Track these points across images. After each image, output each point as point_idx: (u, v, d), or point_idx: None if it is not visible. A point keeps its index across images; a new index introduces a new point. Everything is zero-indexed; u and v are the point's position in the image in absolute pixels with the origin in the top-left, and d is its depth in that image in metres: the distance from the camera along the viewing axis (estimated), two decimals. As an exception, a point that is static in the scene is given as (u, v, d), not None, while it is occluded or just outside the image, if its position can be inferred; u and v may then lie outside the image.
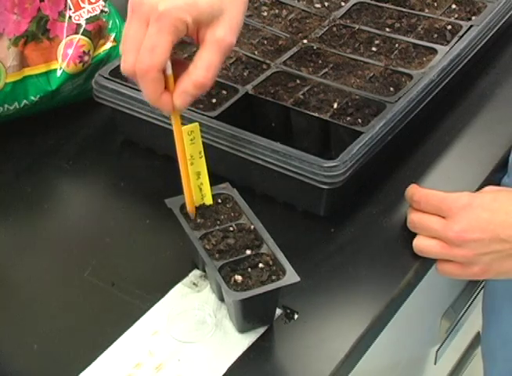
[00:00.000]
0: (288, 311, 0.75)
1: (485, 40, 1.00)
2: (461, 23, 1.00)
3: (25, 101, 0.97)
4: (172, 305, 0.76)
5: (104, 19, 1.00)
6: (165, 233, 0.84)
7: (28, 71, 0.96)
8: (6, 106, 0.96)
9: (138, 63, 0.69)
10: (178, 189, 0.78)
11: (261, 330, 0.74)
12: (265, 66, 0.94)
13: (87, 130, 1.00)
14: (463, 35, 0.98)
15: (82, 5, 0.98)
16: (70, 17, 0.97)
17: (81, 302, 0.78)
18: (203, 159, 0.76)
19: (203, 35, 0.71)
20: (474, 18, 1.02)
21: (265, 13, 1.04)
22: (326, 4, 1.06)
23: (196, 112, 0.86)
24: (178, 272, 0.79)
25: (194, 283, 0.78)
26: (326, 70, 0.94)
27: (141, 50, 0.69)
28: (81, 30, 0.98)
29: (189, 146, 0.75)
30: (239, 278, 0.71)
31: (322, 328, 0.75)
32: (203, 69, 0.71)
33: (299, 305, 0.76)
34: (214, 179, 0.78)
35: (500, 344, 0.99)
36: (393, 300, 0.77)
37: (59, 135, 0.98)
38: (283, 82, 0.92)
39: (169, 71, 0.71)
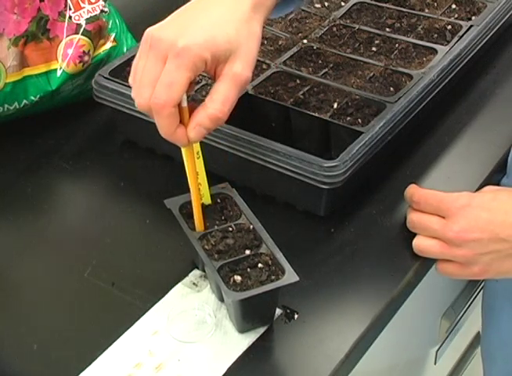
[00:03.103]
0: (288, 311, 0.75)
1: (485, 40, 1.00)
2: (461, 23, 1.00)
3: (25, 101, 0.97)
4: (172, 305, 0.76)
5: (104, 19, 1.00)
6: (165, 233, 0.84)
7: (28, 71, 0.96)
8: (6, 106, 0.96)
9: (154, 98, 0.69)
10: (178, 189, 0.78)
11: (261, 330, 0.74)
12: (264, 66, 0.94)
13: (87, 130, 1.00)
14: (463, 35, 0.98)
15: (82, 5, 0.98)
16: (70, 17, 0.97)
17: (81, 302, 0.78)
18: (201, 159, 0.76)
19: (221, 70, 0.71)
20: (474, 18, 1.02)
21: (265, 13, 1.04)
22: (326, 4, 1.06)
23: (196, 112, 0.86)
24: (178, 272, 0.79)
25: (194, 283, 0.78)
26: (326, 70, 0.94)
27: (157, 85, 0.69)
28: (81, 30, 0.98)
29: (188, 146, 0.74)
30: (238, 278, 0.71)
31: (322, 328, 0.75)
32: (219, 102, 0.70)
33: (299, 305, 0.76)
34: (214, 179, 0.78)
35: (500, 344, 0.99)
36: (393, 300, 0.77)
37: (59, 135, 0.98)
38: (283, 82, 0.92)
39: (184, 104, 0.70)
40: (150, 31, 0.71)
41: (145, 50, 0.71)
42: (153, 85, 0.69)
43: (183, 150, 0.74)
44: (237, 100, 0.88)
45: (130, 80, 0.73)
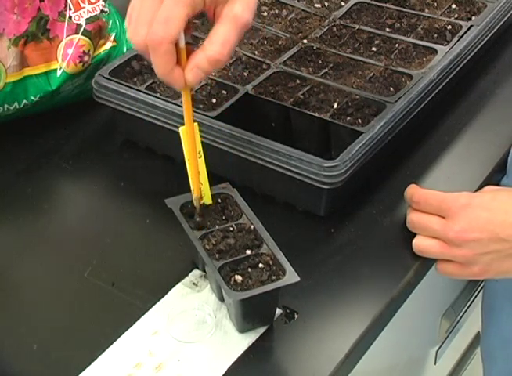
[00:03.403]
0: (288, 311, 0.75)
1: (485, 40, 1.00)
2: (461, 23, 1.00)
3: (25, 101, 0.97)
4: (172, 305, 0.76)
5: (104, 19, 1.00)
6: (165, 233, 0.84)
7: (28, 71, 0.96)
8: (6, 106, 0.96)
9: (151, 34, 0.67)
10: (178, 189, 0.78)
11: (261, 330, 0.74)
12: (264, 66, 0.94)
13: (87, 130, 1.00)
14: (463, 35, 0.98)
15: (82, 5, 0.98)
16: (70, 17, 0.97)
17: (81, 302, 0.78)
18: (203, 159, 0.76)
19: (220, 11, 0.69)
20: (474, 18, 1.02)
21: (265, 13, 1.05)
22: (326, 4, 1.06)
23: (196, 112, 0.86)
24: (178, 272, 0.79)
25: (194, 283, 0.78)
26: (326, 70, 0.94)
27: (154, 21, 0.67)
28: (81, 30, 0.98)
29: (186, 91, 0.74)
30: (239, 278, 0.71)
31: (322, 328, 0.75)
32: (218, 44, 0.69)
33: (299, 305, 0.76)
34: (214, 179, 0.78)
35: (500, 344, 0.99)
36: (393, 300, 0.77)
37: (59, 135, 0.98)
38: (283, 82, 0.92)
39: (182, 44, 0.69)
40: None
41: None
42: (150, 23, 0.67)
43: (182, 94, 0.72)
44: (237, 100, 0.89)
45: (126, 22, 0.71)
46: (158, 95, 0.90)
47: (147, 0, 0.68)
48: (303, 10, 1.05)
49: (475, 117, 0.98)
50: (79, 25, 0.98)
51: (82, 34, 0.98)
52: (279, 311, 0.75)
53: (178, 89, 0.73)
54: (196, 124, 0.75)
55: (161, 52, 0.68)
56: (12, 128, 0.98)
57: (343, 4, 1.06)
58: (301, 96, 0.90)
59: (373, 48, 0.98)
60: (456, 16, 1.03)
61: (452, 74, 0.95)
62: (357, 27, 1.01)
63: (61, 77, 0.97)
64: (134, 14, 0.70)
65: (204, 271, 0.78)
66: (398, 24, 1.02)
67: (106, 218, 0.88)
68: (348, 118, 0.87)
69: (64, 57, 0.97)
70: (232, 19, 0.69)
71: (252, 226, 0.76)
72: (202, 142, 0.75)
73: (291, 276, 0.71)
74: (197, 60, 0.70)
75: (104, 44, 1.01)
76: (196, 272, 0.79)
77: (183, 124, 0.75)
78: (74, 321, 0.76)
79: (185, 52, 0.70)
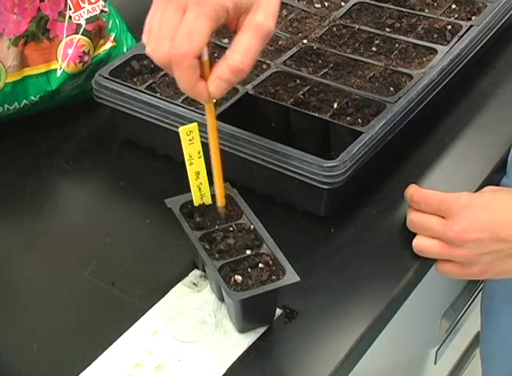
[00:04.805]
0: (288, 311, 0.75)
1: (485, 40, 1.00)
2: (461, 23, 1.00)
3: (25, 101, 0.97)
4: (172, 305, 0.76)
5: (104, 19, 1.00)
6: (165, 233, 0.84)
7: (28, 71, 0.96)
8: (6, 106, 0.96)
9: (174, 49, 0.66)
10: (178, 189, 0.78)
11: (261, 330, 0.74)
12: (264, 66, 0.94)
13: (87, 130, 1.00)
14: (463, 35, 0.98)
15: (82, 5, 0.98)
16: (70, 17, 0.97)
17: (81, 302, 0.78)
18: (202, 159, 0.76)
19: (242, 21, 0.68)
20: (474, 18, 1.02)
21: (265, 13, 1.04)
22: (326, 4, 1.06)
23: (196, 112, 0.86)
24: (178, 272, 0.79)
25: (194, 283, 0.78)
26: (326, 70, 0.94)
27: (177, 35, 0.66)
28: (81, 30, 0.98)
29: (188, 146, 0.74)
30: (239, 278, 0.71)
31: (322, 328, 0.75)
32: (240, 53, 0.68)
33: (299, 305, 0.76)
34: (214, 179, 0.78)
35: (499, 344, 0.99)
36: (393, 300, 0.77)
37: (59, 135, 0.98)
38: (283, 82, 0.92)
39: (205, 57, 0.68)
40: None
41: (161, 3, 0.68)
42: (172, 37, 0.66)
43: (205, 107, 0.72)
44: (237, 100, 0.89)
45: (143, 37, 0.70)
46: (158, 95, 0.90)
47: (168, 12, 0.67)
48: (303, 10, 1.05)
49: (475, 117, 0.98)
50: (79, 25, 0.98)
51: (82, 34, 0.98)
52: (279, 311, 0.75)
53: (202, 102, 0.72)
54: (195, 124, 0.74)
55: (185, 66, 0.66)
56: (12, 128, 0.98)
57: (343, 4, 1.06)
58: (301, 96, 0.90)
59: (373, 48, 0.98)
60: (456, 16, 1.03)
61: (452, 74, 0.95)
62: (357, 27, 1.01)
63: (61, 77, 0.97)
64: (154, 29, 0.68)
65: (204, 271, 0.78)
66: (398, 24, 1.02)
67: (106, 218, 0.88)
68: (348, 118, 0.87)
69: (64, 57, 0.97)
70: (254, 27, 0.68)
71: (252, 226, 0.76)
72: (202, 142, 0.75)
73: (291, 276, 0.71)
74: (219, 71, 0.68)
75: (104, 44, 1.01)
76: (196, 272, 0.79)
77: (183, 124, 0.75)
78: (74, 321, 0.76)
79: (209, 64, 0.69)
